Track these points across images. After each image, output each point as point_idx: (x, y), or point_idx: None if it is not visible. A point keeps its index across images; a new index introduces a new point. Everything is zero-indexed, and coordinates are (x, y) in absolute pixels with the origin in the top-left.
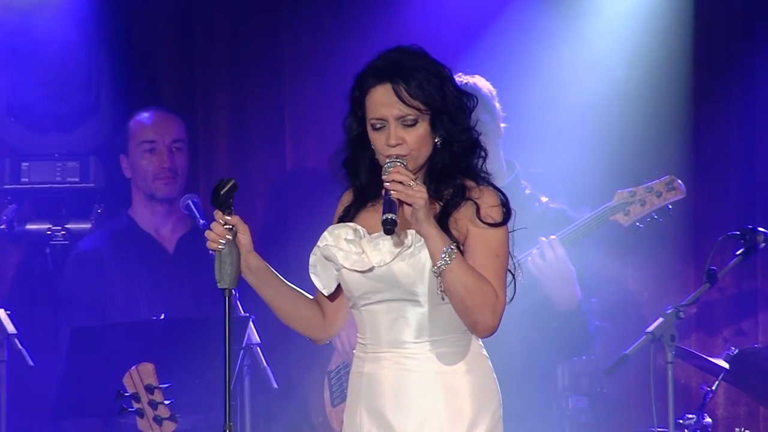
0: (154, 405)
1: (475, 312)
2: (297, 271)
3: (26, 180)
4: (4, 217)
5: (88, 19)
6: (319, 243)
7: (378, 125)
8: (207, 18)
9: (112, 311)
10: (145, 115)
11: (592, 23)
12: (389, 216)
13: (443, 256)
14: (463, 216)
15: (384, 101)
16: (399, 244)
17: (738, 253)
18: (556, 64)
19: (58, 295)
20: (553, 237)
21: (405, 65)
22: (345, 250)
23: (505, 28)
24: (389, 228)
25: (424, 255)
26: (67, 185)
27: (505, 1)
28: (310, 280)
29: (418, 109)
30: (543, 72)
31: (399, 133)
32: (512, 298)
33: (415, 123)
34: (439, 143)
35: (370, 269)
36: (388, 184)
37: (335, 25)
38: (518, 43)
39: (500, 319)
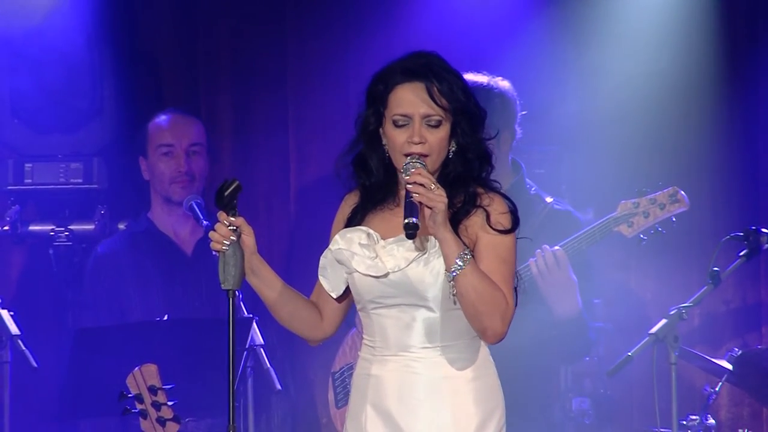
0: (157, 406)
1: (486, 317)
2: (299, 272)
3: (30, 181)
4: (8, 218)
5: (92, 21)
6: (330, 246)
7: (401, 122)
8: (211, 20)
9: (130, 313)
10: (163, 118)
11: (604, 26)
12: (411, 220)
13: (457, 260)
14: (473, 223)
15: (413, 99)
16: (413, 249)
17: (741, 254)
18: (563, 66)
19: (78, 299)
20: (557, 247)
21: (437, 66)
22: (359, 254)
23: (509, 30)
24: (411, 233)
25: (438, 261)
26: (71, 186)
27: (509, 3)
28: (309, 281)
29: (445, 110)
30: (547, 73)
31: (423, 132)
32: (514, 308)
33: (439, 124)
34: (452, 151)
35: (385, 275)
36: (410, 186)
37: (339, 29)
38: (521, 45)
39: (509, 326)
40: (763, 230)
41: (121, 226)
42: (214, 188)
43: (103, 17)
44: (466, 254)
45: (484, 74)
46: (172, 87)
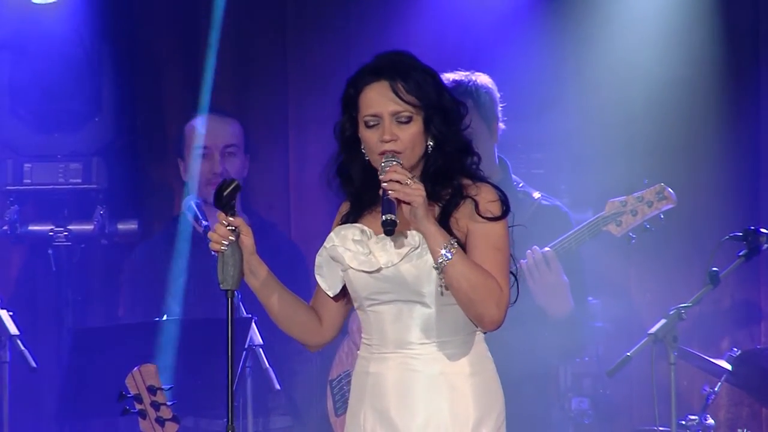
0: (156, 406)
1: (480, 305)
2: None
3: (29, 181)
4: (7, 218)
5: (91, 21)
6: (325, 244)
7: (372, 122)
8: (210, 20)
9: (168, 313)
10: (199, 120)
11: (604, 27)
12: (388, 217)
13: (443, 251)
14: (463, 215)
15: (379, 98)
16: (406, 244)
17: (740, 254)
18: (563, 66)
19: (119, 295)
20: (547, 249)
21: (402, 63)
22: (352, 250)
23: (508, 30)
24: (389, 229)
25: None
26: (70, 186)
27: (510, 2)
28: (308, 283)
29: (414, 106)
30: (547, 73)
31: (393, 129)
32: (515, 300)
33: (409, 120)
34: (431, 146)
35: (378, 270)
36: (385, 184)
37: (340, 30)
38: (521, 45)
39: (506, 312)
40: (763, 230)
41: (121, 227)
42: (249, 188)
43: (102, 17)
44: (452, 244)
45: (461, 71)
46: (171, 87)
